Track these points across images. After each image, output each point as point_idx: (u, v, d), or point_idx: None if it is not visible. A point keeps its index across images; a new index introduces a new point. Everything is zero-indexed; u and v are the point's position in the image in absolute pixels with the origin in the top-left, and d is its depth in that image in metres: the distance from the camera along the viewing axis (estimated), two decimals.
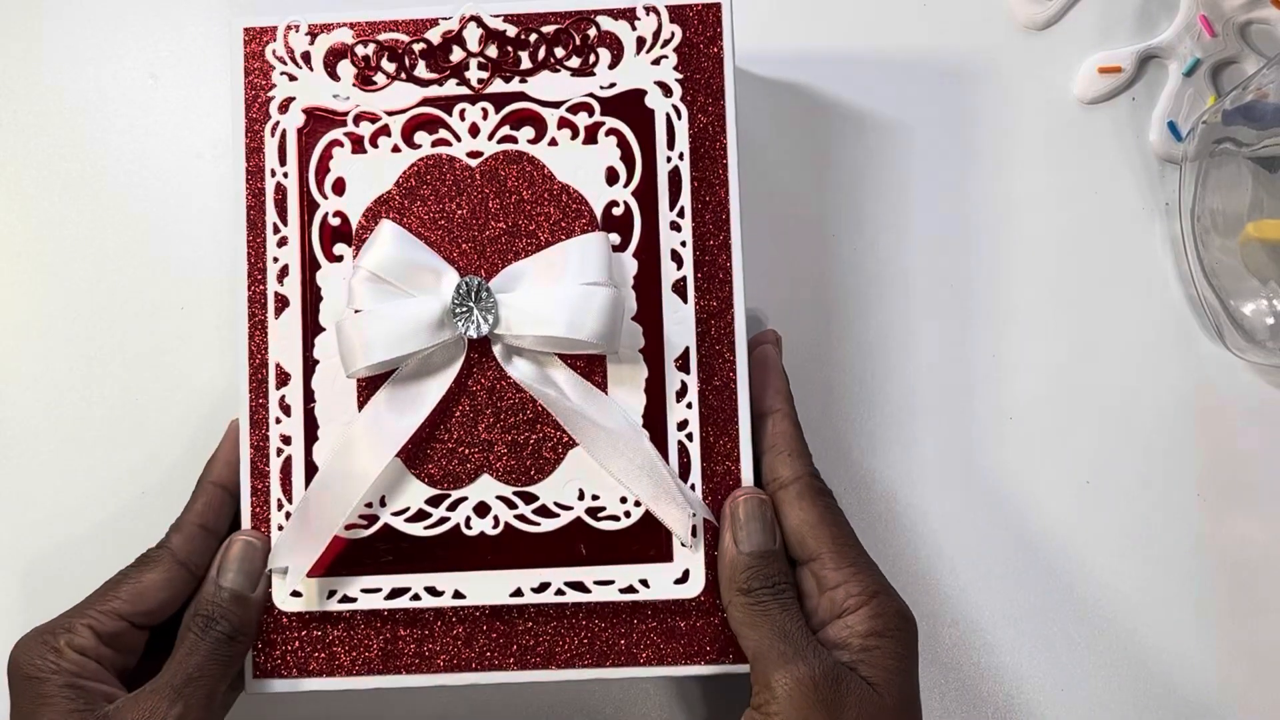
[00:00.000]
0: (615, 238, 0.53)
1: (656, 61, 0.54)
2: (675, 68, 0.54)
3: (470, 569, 0.52)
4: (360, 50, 0.54)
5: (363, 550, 0.52)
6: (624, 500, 0.52)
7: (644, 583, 0.52)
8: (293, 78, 0.54)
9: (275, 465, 0.53)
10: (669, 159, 0.54)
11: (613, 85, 0.54)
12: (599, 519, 0.52)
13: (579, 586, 0.52)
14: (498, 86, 0.54)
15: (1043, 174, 0.63)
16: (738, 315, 0.53)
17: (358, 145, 0.54)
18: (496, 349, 0.53)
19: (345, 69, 0.54)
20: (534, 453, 0.53)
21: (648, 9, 0.54)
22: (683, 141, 0.54)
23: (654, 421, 0.53)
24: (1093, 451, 0.61)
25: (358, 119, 0.54)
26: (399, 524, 0.52)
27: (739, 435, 0.53)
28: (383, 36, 0.54)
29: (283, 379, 0.53)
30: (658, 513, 0.51)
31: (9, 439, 0.62)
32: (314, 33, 0.55)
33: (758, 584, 0.50)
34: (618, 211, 0.53)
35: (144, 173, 0.63)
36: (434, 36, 0.54)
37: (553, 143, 0.54)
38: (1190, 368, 0.61)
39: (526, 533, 0.52)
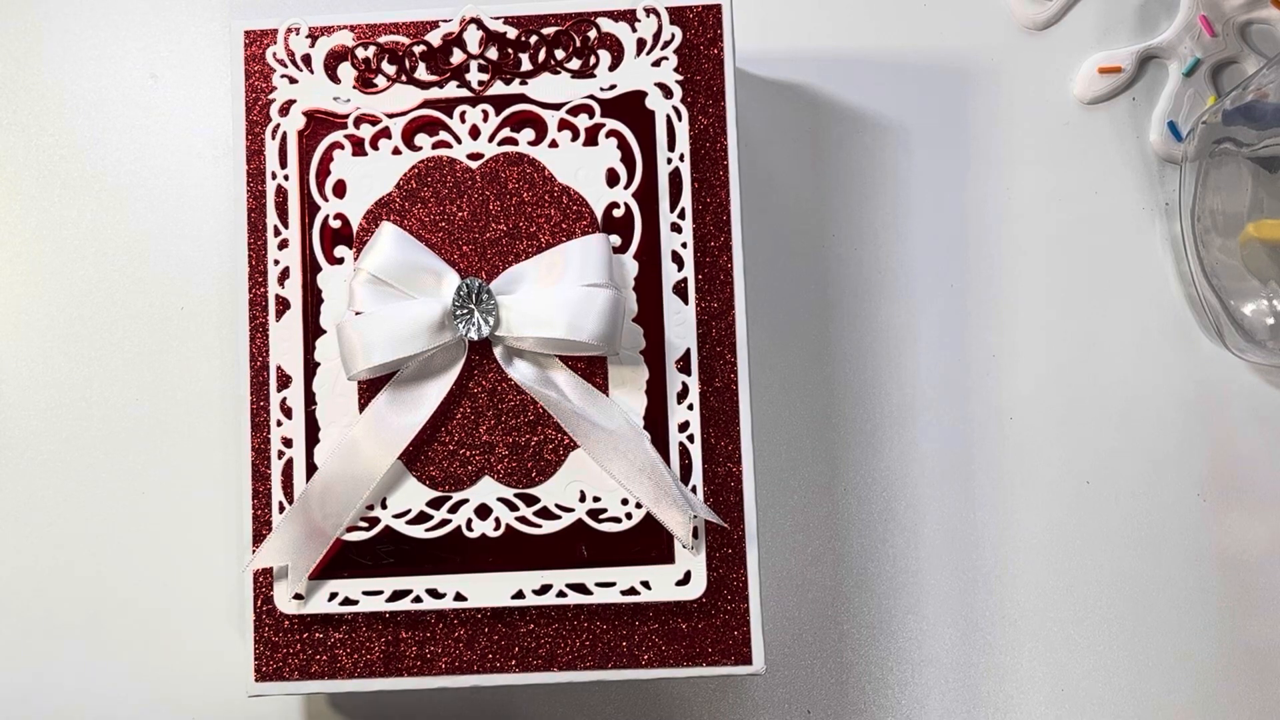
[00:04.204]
0: (616, 239, 0.53)
1: (657, 63, 0.54)
2: (675, 69, 0.54)
3: (472, 571, 0.52)
4: (360, 53, 0.54)
5: (364, 552, 0.52)
6: (625, 502, 0.52)
7: (645, 584, 0.52)
8: (293, 80, 0.54)
9: (277, 468, 0.53)
10: (669, 160, 0.54)
11: (613, 87, 0.54)
12: (600, 521, 0.52)
13: (580, 588, 0.52)
14: (498, 88, 0.54)
15: (1043, 174, 0.63)
16: (739, 316, 0.53)
17: (358, 147, 0.54)
18: (497, 351, 0.53)
19: (345, 71, 0.54)
20: (535, 454, 0.53)
21: (648, 10, 0.54)
22: (683, 143, 0.54)
23: (655, 423, 0.53)
24: (1093, 451, 0.61)
25: (358, 121, 0.54)
26: (400, 526, 0.52)
27: (740, 437, 0.53)
28: (383, 39, 0.54)
29: (284, 381, 0.53)
30: (659, 515, 0.51)
31: (9, 439, 0.62)
32: (314, 35, 0.54)
33: None
34: (618, 213, 0.53)
35: (144, 173, 0.63)
36: (434, 39, 0.54)
37: (553, 144, 0.54)
38: (1190, 368, 0.62)
39: (528, 535, 0.52)
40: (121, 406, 0.62)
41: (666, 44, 0.54)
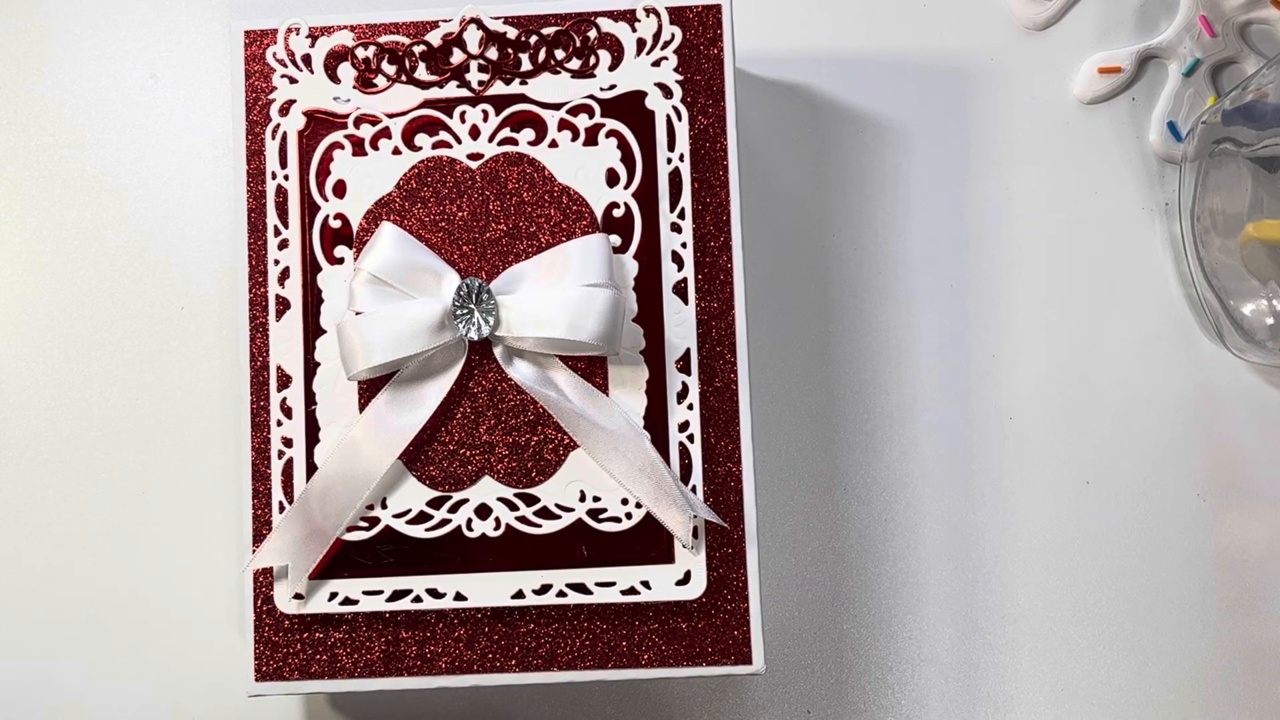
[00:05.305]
0: (616, 239, 0.53)
1: (657, 63, 0.54)
2: (675, 69, 0.54)
3: (472, 571, 0.52)
4: (360, 53, 0.54)
5: (364, 552, 0.52)
6: (625, 502, 0.52)
7: (645, 584, 0.52)
8: (293, 80, 0.54)
9: (277, 468, 0.53)
10: (669, 160, 0.54)
11: (613, 87, 0.54)
12: (600, 520, 0.52)
13: (580, 588, 0.52)
14: (498, 88, 0.54)
15: (1043, 174, 0.63)
16: (739, 316, 0.53)
17: (358, 147, 0.54)
18: (497, 351, 0.53)
19: (345, 71, 0.54)
20: (535, 454, 0.53)
21: (648, 10, 0.54)
22: (683, 143, 0.54)
23: (655, 423, 0.53)
24: (1093, 451, 0.61)
25: (358, 121, 0.54)
26: (400, 526, 0.52)
27: (740, 437, 0.53)
28: (383, 39, 0.54)
29: (284, 381, 0.53)
30: (659, 515, 0.51)
31: (9, 439, 0.62)
32: (314, 35, 0.54)
33: None
34: (618, 213, 0.53)
35: (144, 173, 0.63)
36: (434, 39, 0.54)
37: (553, 144, 0.54)
38: (1190, 368, 0.62)
39: (528, 534, 0.52)
40: (121, 406, 0.62)
41: (666, 44, 0.54)
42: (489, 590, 0.52)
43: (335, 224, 0.54)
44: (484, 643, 0.52)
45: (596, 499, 0.52)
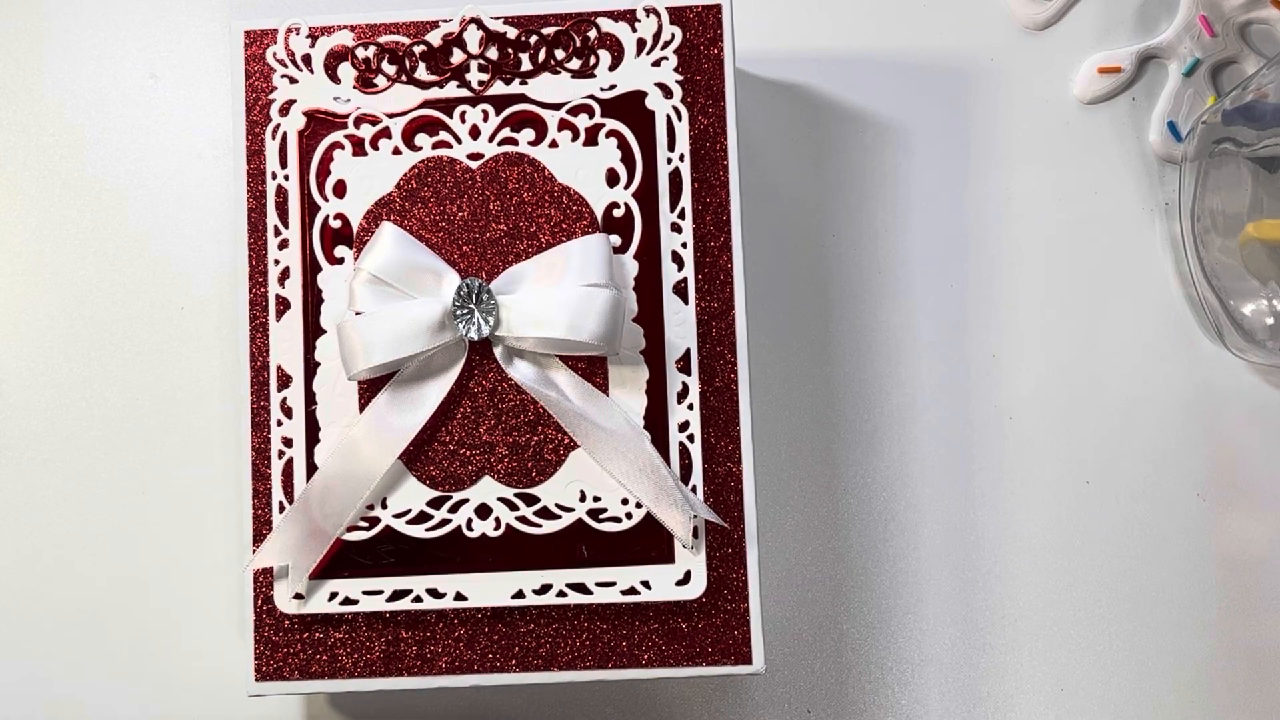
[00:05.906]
0: (616, 239, 0.53)
1: (657, 63, 0.54)
2: (675, 69, 0.54)
3: (472, 571, 0.52)
4: (361, 53, 0.54)
5: (364, 552, 0.52)
6: (625, 502, 0.52)
7: (646, 584, 0.52)
8: (293, 80, 0.54)
9: (277, 468, 0.53)
10: (669, 160, 0.54)
11: (613, 87, 0.54)
12: (600, 520, 0.52)
13: (580, 588, 0.52)
14: (498, 88, 0.54)
15: (1043, 174, 0.63)
16: (739, 316, 0.53)
17: (358, 147, 0.54)
18: (497, 351, 0.53)
19: (346, 71, 0.54)
20: (535, 454, 0.53)
21: (648, 10, 0.54)
22: (683, 143, 0.54)
23: (655, 423, 0.53)
24: (1093, 451, 0.61)
25: (358, 121, 0.54)
26: (400, 526, 0.52)
27: (740, 437, 0.53)
28: (383, 39, 0.54)
29: (284, 381, 0.53)
30: (659, 515, 0.51)
31: (9, 439, 0.62)
32: (314, 35, 0.54)
33: None
34: (618, 213, 0.53)
35: (144, 173, 0.63)
36: (434, 39, 0.54)
37: (553, 144, 0.54)
38: (1190, 368, 0.62)
39: (528, 534, 0.52)
40: (121, 406, 0.62)
41: (666, 44, 0.54)
42: (489, 590, 0.52)
43: (335, 224, 0.54)
44: (484, 643, 0.53)
45: (596, 499, 0.52)
